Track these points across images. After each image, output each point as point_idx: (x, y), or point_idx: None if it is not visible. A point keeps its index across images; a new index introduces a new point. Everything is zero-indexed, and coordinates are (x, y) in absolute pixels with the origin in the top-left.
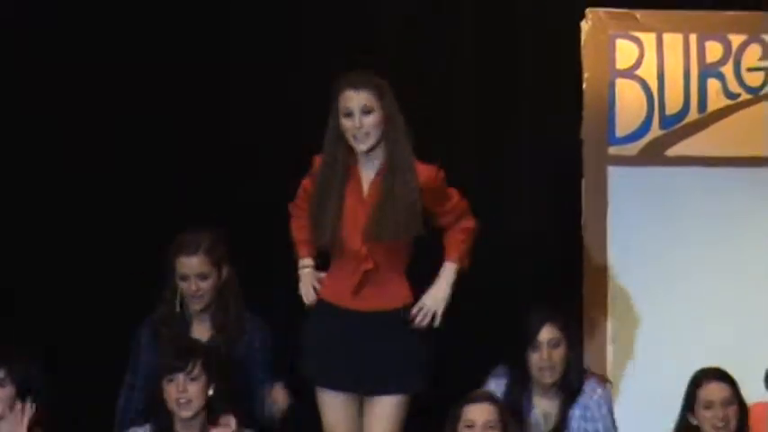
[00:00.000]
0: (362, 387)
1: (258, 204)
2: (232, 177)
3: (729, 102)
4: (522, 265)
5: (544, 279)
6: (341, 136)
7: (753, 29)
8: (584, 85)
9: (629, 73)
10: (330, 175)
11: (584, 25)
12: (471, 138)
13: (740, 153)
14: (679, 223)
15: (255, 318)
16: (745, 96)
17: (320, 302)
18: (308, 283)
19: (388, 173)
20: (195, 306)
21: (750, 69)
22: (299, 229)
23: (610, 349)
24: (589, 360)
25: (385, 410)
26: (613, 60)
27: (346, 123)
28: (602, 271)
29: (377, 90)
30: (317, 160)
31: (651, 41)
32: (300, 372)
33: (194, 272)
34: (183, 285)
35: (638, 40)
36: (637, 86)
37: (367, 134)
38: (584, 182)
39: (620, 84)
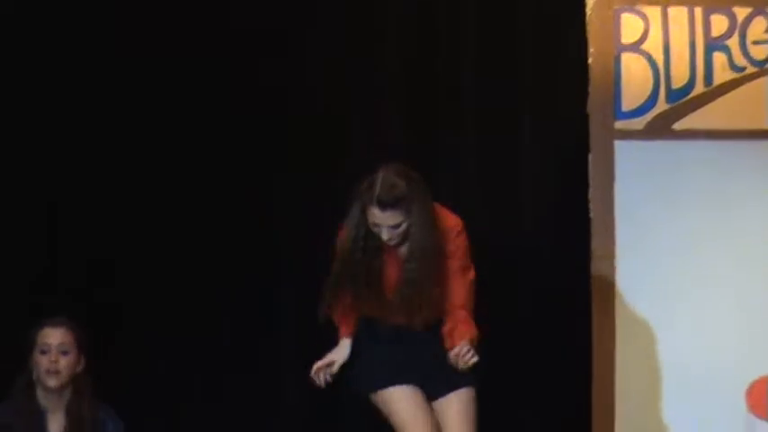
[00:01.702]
0: (430, 387)
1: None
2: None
3: (735, 75)
4: (529, 241)
5: (551, 254)
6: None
7: (758, 1)
8: (589, 60)
9: (634, 47)
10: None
11: (589, 0)
12: (475, 112)
13: (746, 126)
14: (686, 196)
15: (109, 408)
16: (750, 69)
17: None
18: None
19: (412, 260)
20: (51, 382)
21: (756, 42)
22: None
23: (618, 322)
24: (595, 320)
25: (463, 405)
26: (619, 35)
27: (375, 229)
28: (610, 244)
29: (406, 206)
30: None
31: (656, 15)
32: (361, 387)
33: (57, 342)
34: (41, 360)
35: (643, 14)
36: (643, 60)
37: (390, 239)
38: (590, 156)
39: (626, 58)
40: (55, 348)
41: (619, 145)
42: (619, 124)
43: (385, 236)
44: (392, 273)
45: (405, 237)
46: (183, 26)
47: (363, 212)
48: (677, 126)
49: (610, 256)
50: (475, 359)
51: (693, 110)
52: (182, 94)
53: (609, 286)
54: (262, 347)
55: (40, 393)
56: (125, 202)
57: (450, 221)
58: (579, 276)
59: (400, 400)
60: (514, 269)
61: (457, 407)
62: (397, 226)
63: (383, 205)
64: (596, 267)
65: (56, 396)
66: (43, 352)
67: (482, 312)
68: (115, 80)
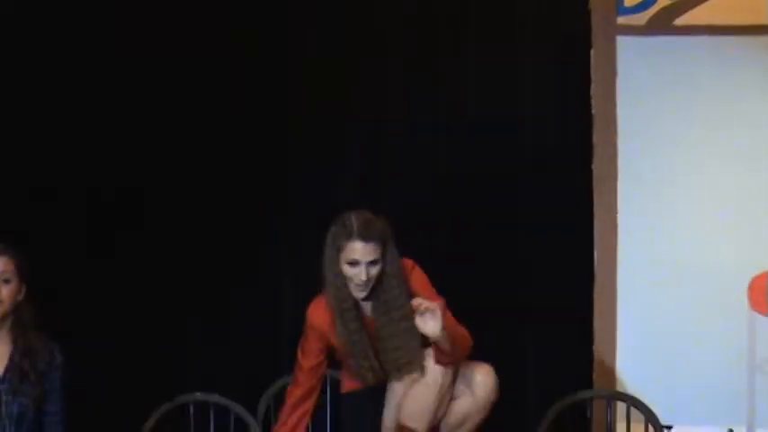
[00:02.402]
0: None
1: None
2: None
3: None
4: (531, 136)
5: (553, 150)
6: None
7: None
8: None
9: None
10: (352, 322)
11: None
12: (476, 12)
13: (747, 22)
14: (687, 92)
15: (54, 343)
16: None
17: (349, 394)
18: None
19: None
20: None
21: None
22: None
23: (620, 217)
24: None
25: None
26: None
27: (350, 271)
28: (612, 140)
29: (382, 244)
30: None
31: None
32: None
33: None
34: None
35: None
36: None
37: (368, 283)
38: (592, 52)
39: None
40: None
41: (621, 40)
42: (621, 20)
43: (363, 276)
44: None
45: (374, 282)
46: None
47: (337, 259)
48: (678, 22)
49: (611, 150)
50: (435, 316)
51: (695, 5)
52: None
53: (610, 180)
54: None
55: None
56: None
57: (402, 261)
58: (581, 173)
59: None
60: (516, 167)
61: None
62: (374, 263)
63: (363, 237)
64: (597, 162)
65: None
66: None
67: (484, 202)
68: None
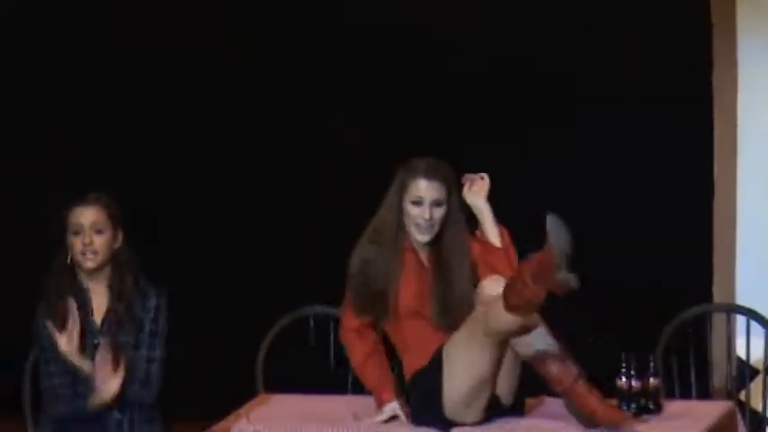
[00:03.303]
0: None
1: None
2: None
3: None
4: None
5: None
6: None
7: None
8: None
9: None
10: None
11: None
12: None
13: None
14: None
15: (151, 286)
16: None
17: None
18: None
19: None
20: (88, 264)
21: None
22: (375, 367)
23: (739, 128)
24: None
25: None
26: None
27: (414, 210)
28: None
29: (447, 187)
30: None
31: None
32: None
33: (89, 222)
34: (75, 241)
35: None
36: None
37: (432, 226)
38: None
39: None
40: (88, 228)
41: None
42: None
43: (426, 214)
44: (409, 279)
45: (438, 227)
46: None
47: (400, 198)
48: None
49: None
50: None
51: None
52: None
53: (731, 93)
54: None
55: (80, 274)
56: None
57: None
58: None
59: None
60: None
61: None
62: (438, 203)
63: (429, 176)
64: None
65: (96, 275)
66: (76, 233)
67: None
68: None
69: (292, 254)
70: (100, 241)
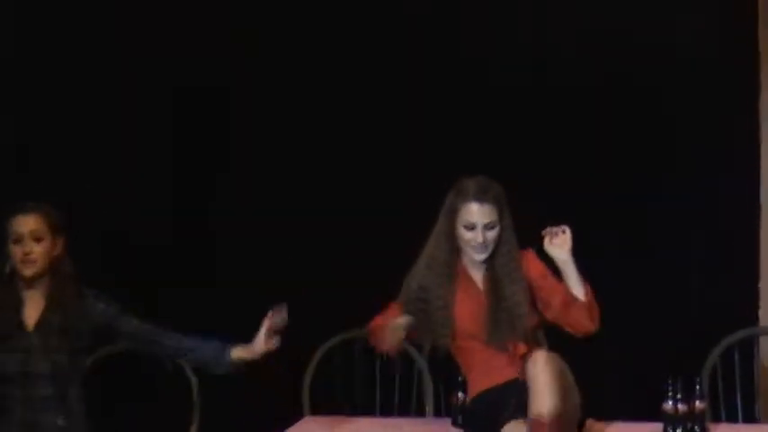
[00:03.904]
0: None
1: None
2: None
3: None
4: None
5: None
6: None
7: None
8: None
9: None
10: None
11: None
12: None
13: None
14: None
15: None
16: None
17: (477, 397)
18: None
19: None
20: (26, 271)
21: None
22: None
23: None
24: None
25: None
26: None
27: (467, 235)
28: None
29: (499, 208)
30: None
31: None
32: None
33: (28, 230)
34: (15, 250)
35: None
36: None
37: (487, 246)
38: None
39: None
40: (27, 237)
41: None
42: None
43: (480, 238)
44: (464, 302)
45: (492, 247)
46: None
47: (452, 223)
48: None
49: None
50: (564, 236)
51: None
52: None
53: None
54: None
55: (20, 284)
56: None
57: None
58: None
59: None
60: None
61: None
62: (491, 226)
63: (480, 199)
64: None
65: (35, 284)
66: (16, 241)
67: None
68: None
69: (340, 276)
70: (39, 249)
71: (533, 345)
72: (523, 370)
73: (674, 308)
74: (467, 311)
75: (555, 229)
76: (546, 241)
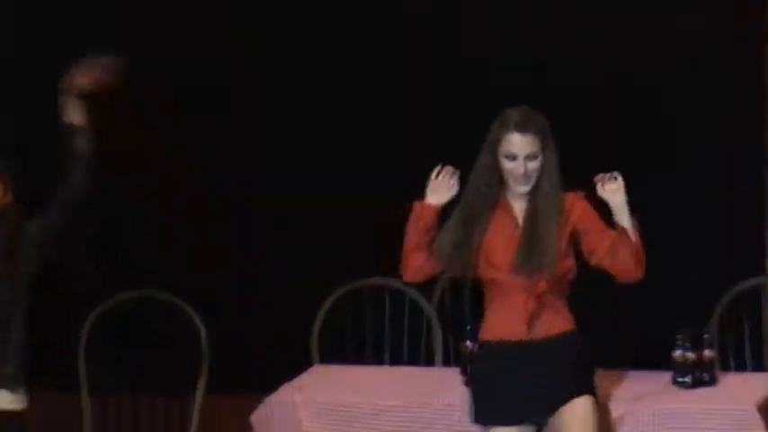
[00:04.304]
0: (552, 397)
1: None
2: None
3: None
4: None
5: None
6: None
7: None
8: None
9: None
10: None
11: None
12: None
13: None
14: None
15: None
16: None
17: (486, 344)
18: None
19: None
20: None
21: None
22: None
23: None
24: None
25: (585, 413)
26: None
27: (509, 165)
28: None
29: (541, 140)
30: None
31: None
32: (476, 418)
33: None
34: None
35: None
36: None
37: (529, 177)
38: None
39: None
40: None
41: None
42: None
43: (521, 169)
44: (498, 231)
45: (535, 178)
46: None
47: (494, 154)
48: None
49: None
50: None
51: None
52: None
53: None
54: None
55: None
56: None
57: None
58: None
59: None
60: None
61: (580, 415)
62: (533, 157)
63: (521, 129)
64: None
65: None
66: None
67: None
68: None
69: (347, 225)
70: None
71: (555, 288)
72: (534, 327)
73: (682, 257)
74: (498, 240)
75: (605, 175)
76: (599, 187)
